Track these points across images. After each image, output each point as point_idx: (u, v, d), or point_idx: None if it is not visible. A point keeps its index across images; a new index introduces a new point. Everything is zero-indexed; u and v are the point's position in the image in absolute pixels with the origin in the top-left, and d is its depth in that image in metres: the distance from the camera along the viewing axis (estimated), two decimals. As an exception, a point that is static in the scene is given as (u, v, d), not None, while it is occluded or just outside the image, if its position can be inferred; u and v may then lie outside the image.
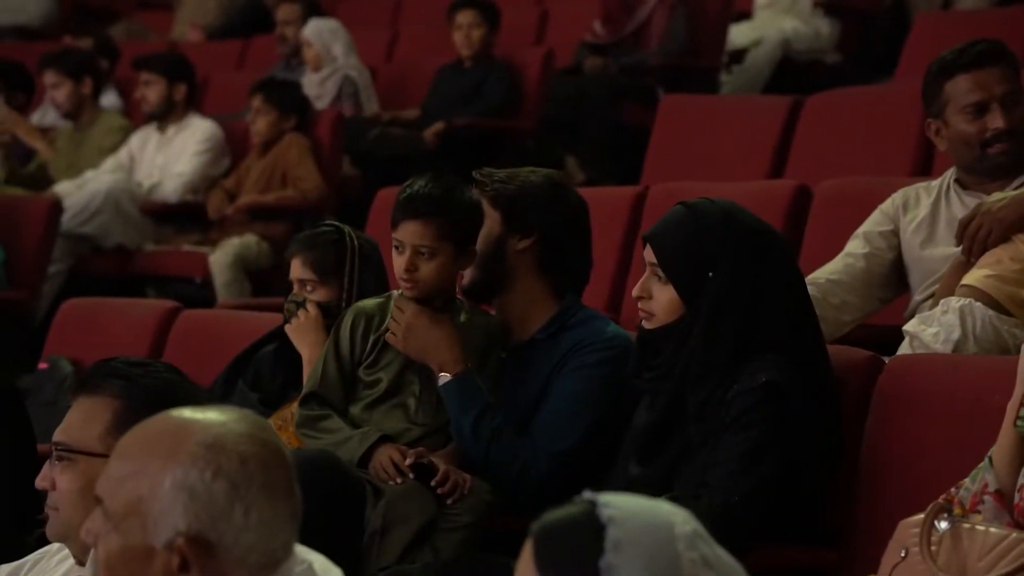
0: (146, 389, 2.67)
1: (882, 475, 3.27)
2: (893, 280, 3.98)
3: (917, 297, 3.93)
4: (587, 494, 1.90)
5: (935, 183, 4.03)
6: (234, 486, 2.07)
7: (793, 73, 8.01)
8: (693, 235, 3.27)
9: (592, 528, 1.85)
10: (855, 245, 3.98)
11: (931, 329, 3.51)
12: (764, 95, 7.48)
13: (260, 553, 2.10)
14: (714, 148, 5.83)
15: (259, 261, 6.92)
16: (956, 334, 3.46)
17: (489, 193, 3.66)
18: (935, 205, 3.96)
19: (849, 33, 8.31)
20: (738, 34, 8.29)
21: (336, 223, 4.04)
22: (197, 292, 6.91)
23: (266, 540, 2.10)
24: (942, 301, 3.56)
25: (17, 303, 6.54)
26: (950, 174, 4.00)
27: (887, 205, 4.02)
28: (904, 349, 3.58)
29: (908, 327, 3.59)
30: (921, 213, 3.96)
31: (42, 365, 5.07)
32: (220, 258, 6.91)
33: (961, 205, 3.91)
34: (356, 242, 3.93)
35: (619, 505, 1.88)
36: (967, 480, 2.78)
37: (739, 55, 8.17)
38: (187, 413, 2.13)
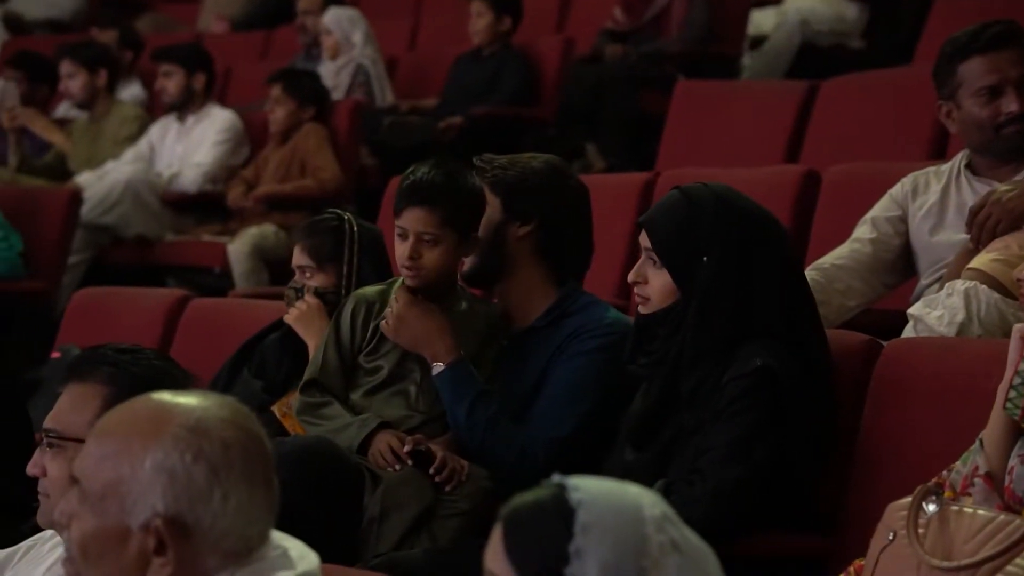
0: (135, 376, 2.68)
1: (878, 460, 3.26)
2: (899, 266, 3.95)
3: (923, 282, 3.90)
4: (556, 477, 1.90)
5: (945, 167, 3.99)
6: (214, 470, 2.07)
7: (816, 58, 7.96)
8: (686, 220, 3.26)
9: (561, 512, 1.86)
10: (862, 231, 3.95)
11: (935, 312, 3.49)
12: (779, 80, 7.44)
13: (235, 539, 2.10)
14: (729, 134, 5.81)
15: (277, 251, 6.92)
16: (960, 316, 3.43)
17: (489, 179, 3.65)
18: (945, 190, 3.93)
19: (877, 18, 8.25)
20: (765, 19, 8.25)
21: (338, 211, 4.04)
22: (216, 282, 6.93)
23: (242, 526, 2.11)
24: (947, 284, 3.54)
25: (37, 293, 6.58)
26: (960, 158, 3.96)
27: (896, 190, 3.99)
28: (908, 332, 3.56)
29: (913, 310, 3.57)
30: (931, 199, 3.93)
31: (55, 355, 5.10)
32: (238, 248, 6.93)
33: (971, 191, 3.87)
34: (355, 229, 3.93)
35: (588, 489, 1.89)
36: (958, 463, 2.77)
37: (761, 40, 8.14)
38: (168, 396, 2.14)
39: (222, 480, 2.07)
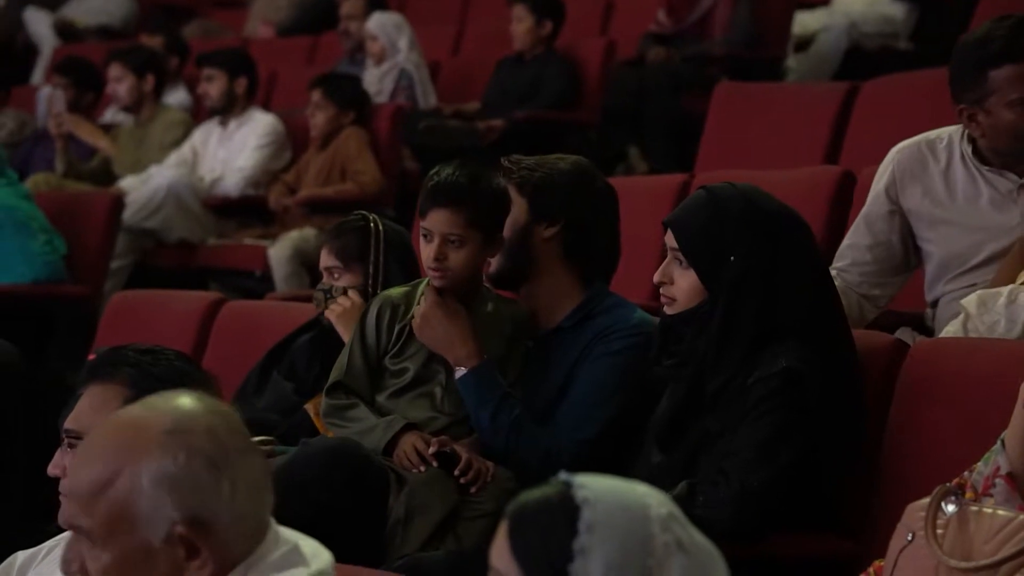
0: (156, 377, 2.68)
1: (905, 461, 3.23)
2: (908, 255, 3.86)
3: (947, 287, 3.81)
4: (563, 475, 1.89)
5: (938, 138, 3.85)
6: (211, 460, 2.07)
7: (863, 60, 7.91)
8: (713, 220, 3.24)
9: (566, 510, 1.85)
10: (858, 235, 3.86)
11: (989, 316, 3.40)
12: (818, 82, 7.39)
13: (254, 516, 2.11)
14: (769, 136, 5.78)
15: (317, 254, 6.90)
16: (1016, 331, 3.35)
17: (515, 180, 3.64)
18: (947, 175, 3.81)
19: (924, 19, 8.20)
20: (811, 19, 8.21)
21: (364, 212, 4.06)
22: (257, 285, 6.96)
23: (257, 502, 2.11)
24: (1009, 290, 3.43)
25: (80, 297, 6.61)
26: (960, 140, 3.82)
27: (887, 181, 3.86)
28: (957, 325, 3.46)
29: (966, 303, 3.46)
30: (935, 184, 3.81)
31: (91, 357, 5.12)
32: (279, 251, 6.96)
33: (985, 183, 3.77)
34: (381, 229, 3.95)
35: (594, 487, 1.88)
36: (980, 463, 2.74)
37: (807, 42, 8.10)
38: (132, 410, 2.12)
39: (223, 466, 2.07)
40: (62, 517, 2.12)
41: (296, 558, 2.16)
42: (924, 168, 3.84)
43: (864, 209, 3.90)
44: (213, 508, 2.06)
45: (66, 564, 2.12)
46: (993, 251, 3.74)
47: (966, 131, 3.82)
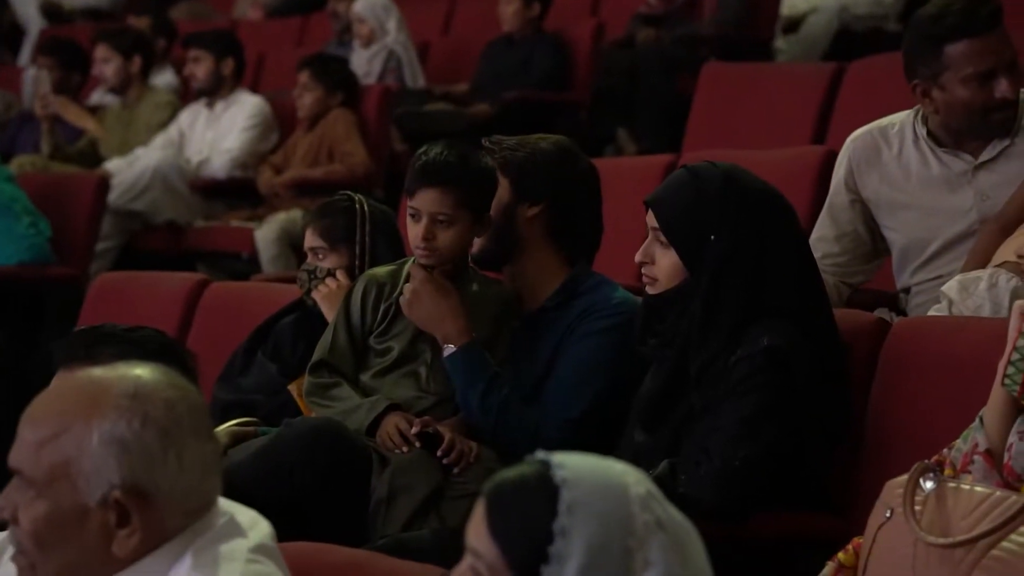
0: (142, 355, 2.66)
1: (887, 439, 3.23)
2: (876, 242, 3.87)
3: (914, 278, 3.80)
4: (540, 454, 1.88)
5: (890, 124, 3.83)
6: (164, 432, 2.07)
7: (852, 42, 7.90)
8: (693, 199, 3.23)
9: (545, 490, 1.84)
10: (824, 228, 3.87)
11: (973, 300, 3.40)
12: (806, 63, 7.39)
13: (196, 496, 2.11)
14: (756, 116, 5.79)
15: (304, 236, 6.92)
16: (1003, 314, 3.35)
17: (498, 160, 3.63)
18: (901, 159, 3.80)
19: (915, 0, 8.17)
20: (802, 1, 8.19)
21: (349, 192, 4.05)
22: (245, 267, 6.95)
23: (199, 483, 2.10)
24: (988, 273, 3.43)
25: (66, 279, 6.59)
26: (914, 122, 3.80)
27: (845, 171, 3.87)
28: (941, 310, 3.46)
29: (947, 289, 3.46)
30: (889, 169, 3.81)
31: (73, 339, 5.10)
32: (266, 233, 6.95)
33: (939, 163, 3.76)
34: (367, 209, 3.93)
35: (573, 466, 1.86)
36: (959, 440, 2.74)
37: (796, 23, 8.08)
38: (96, 371, 2.13)
39: (174, 440, 2.07)
40: (10, 458, 2.12)
41: (234, 529, 2.15)
42: (878, 155, 3.84)
43: (827, 201, 3.91)
44: (155, 480, 2.06)
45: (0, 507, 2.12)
46: (949, 236, 3.75)
47: (920, 113, 3.80)
